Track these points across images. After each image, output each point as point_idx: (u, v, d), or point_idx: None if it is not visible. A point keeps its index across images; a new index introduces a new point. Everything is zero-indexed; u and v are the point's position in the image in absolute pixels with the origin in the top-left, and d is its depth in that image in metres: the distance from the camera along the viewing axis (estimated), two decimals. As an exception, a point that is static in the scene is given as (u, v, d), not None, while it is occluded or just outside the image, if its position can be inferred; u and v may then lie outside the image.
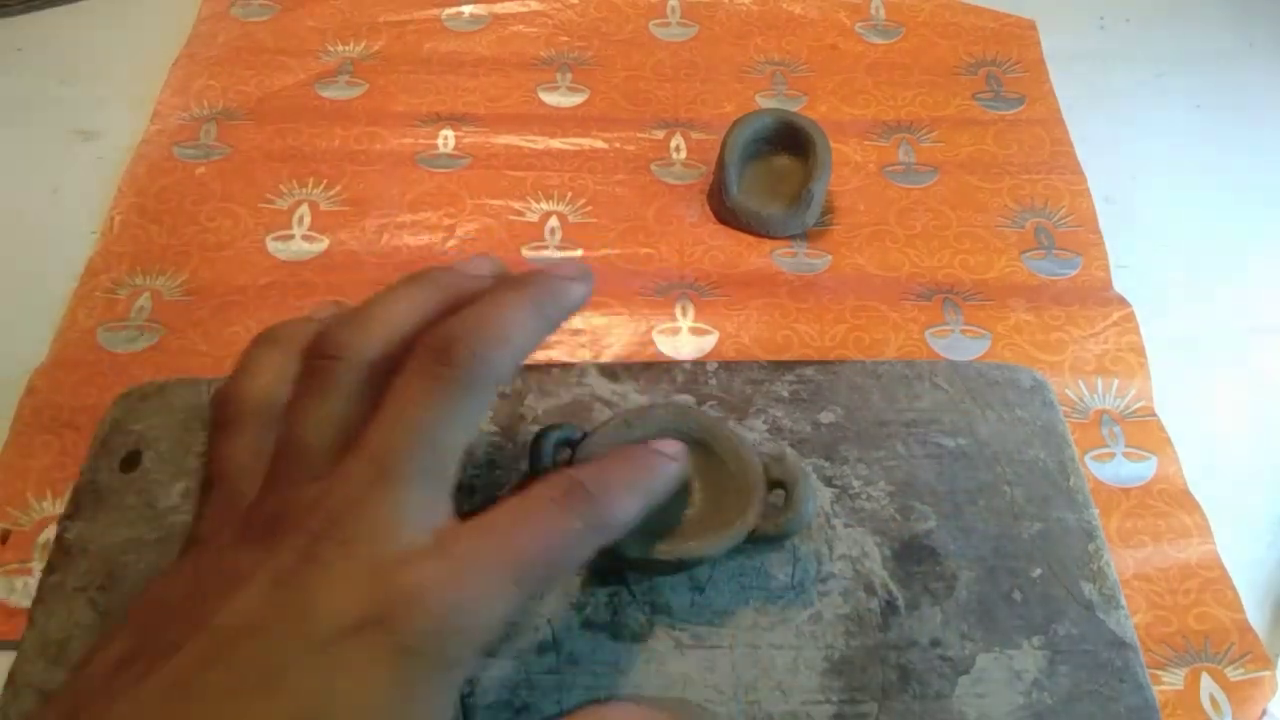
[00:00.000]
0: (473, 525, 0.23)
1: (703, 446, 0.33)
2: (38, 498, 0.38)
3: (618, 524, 0.25)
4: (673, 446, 0.29)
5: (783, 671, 0.31)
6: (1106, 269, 0.46)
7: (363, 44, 0.55)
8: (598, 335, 0.43)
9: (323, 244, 0.46)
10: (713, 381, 0.38)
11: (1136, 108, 0.53)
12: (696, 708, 0.30)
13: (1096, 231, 0.47)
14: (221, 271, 0.45)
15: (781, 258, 0.46)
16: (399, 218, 0.47)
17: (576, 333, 0.43)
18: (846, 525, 0.35)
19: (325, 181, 0.48)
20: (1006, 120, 0.52)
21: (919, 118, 0.52)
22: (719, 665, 0.31)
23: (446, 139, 0.50)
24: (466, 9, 0.57)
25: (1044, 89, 0.54)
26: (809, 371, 0.39)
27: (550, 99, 0.53)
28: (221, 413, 0.26)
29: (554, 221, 0.47)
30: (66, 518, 0.34)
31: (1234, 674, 0.35)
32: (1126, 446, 0.40)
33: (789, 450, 0.36)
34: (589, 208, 0.48)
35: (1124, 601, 0.33)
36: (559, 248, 0.46)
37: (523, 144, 0.50)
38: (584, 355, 0.42)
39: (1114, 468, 0.40)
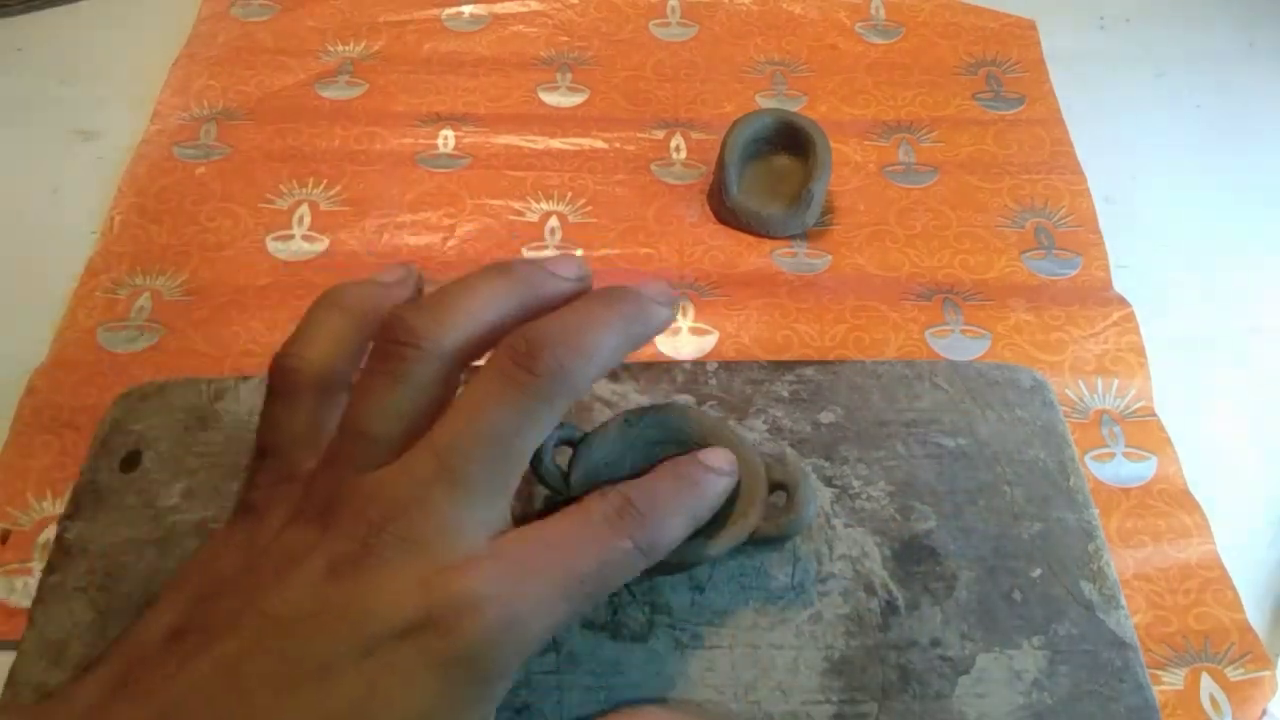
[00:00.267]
0: (529, 537, 0.23)
1: (703, 447, 0.33)
2: (38, 498, 0.38)
3: (665, 546, 0.25)
4: (720, 459, 0.28)
5: (783, 671, 0.31)
6: (1106, 269, 0.46)
7: (363, 44, 0.55)
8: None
9: (323, 244, 0.46)
10: (713, 381, 0.38)
11: (1136, 108, 0.53)
12: (721, 711, 0.30)
13: (1096, 231, 0.47)
14: (221, 271, 0.45)
15: (781, 258, 0.46)
16: (399, 218, 0.47)
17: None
18: (846, 525, 0.35)
19: (325, 181, 0.48)
20: (1006, 120, 0.52)
21: (919, 118, 0.52)
22: (719, 665, 0.31)
23: (446, 139, 0.50)
24: (466, 9, 0.57)
25: (1044, 89, 0.54)
26: (809, 371, 0.39)
27: (550, 99, 0.53)
28: (280, 380, 0.25)
29: (554, 221, 0.47)
30: (66, 518, 0.34)
31: (1234, 674, 0.35)
32: (1126, 446, 0.40)
33: (789, 451, 0.36)
34: (589, 208, 0.48)
35: (1124, 601, 0.33)
36: (559, 248, 0.46)
37: (523, 144, 0.50)
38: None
39: (1114, 468, 0.40)
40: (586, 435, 0.32)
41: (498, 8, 0.57)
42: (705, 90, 0.53)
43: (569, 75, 0.54)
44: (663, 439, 0.33)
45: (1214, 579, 0.37)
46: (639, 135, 0.51)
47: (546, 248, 0.46)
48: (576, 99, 0.53)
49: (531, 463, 0.32)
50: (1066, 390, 0.42)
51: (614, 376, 0.38)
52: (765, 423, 0.37)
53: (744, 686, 0.31)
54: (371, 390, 0.24)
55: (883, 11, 0.57)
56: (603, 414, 0.37)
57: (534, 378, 0.23)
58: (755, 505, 0.31)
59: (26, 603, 0.34)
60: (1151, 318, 0.44)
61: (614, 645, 0.32)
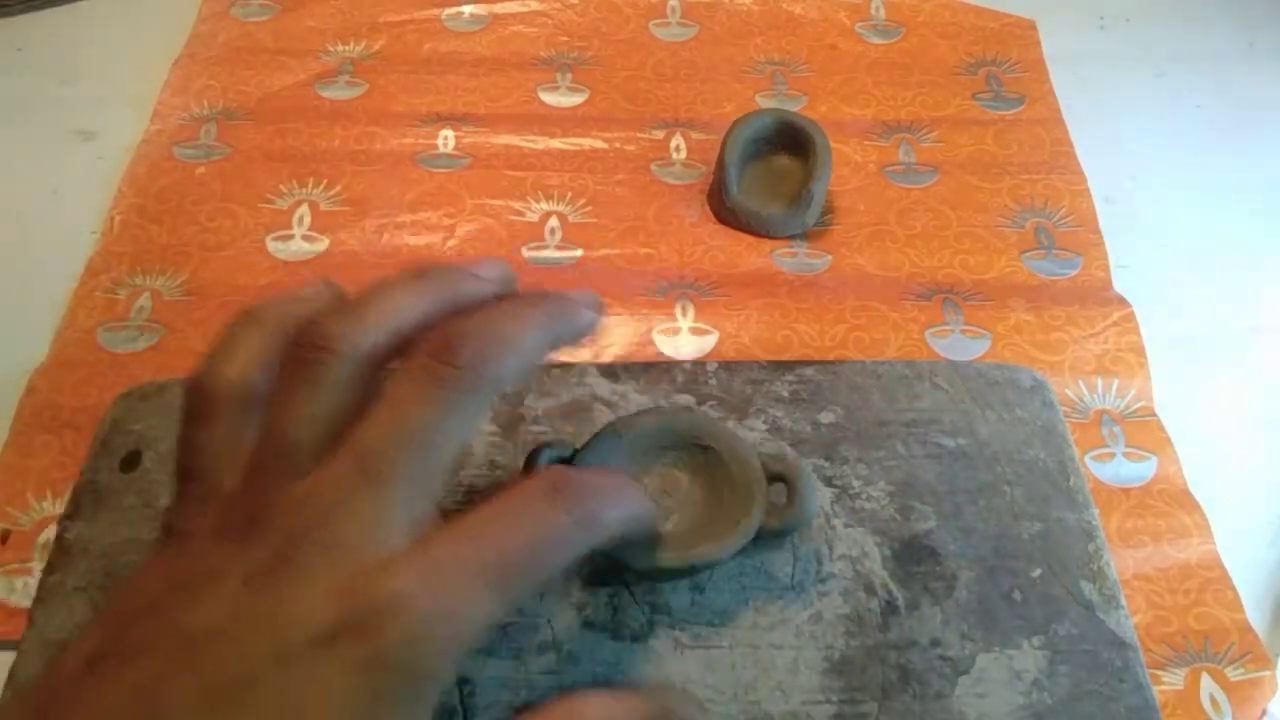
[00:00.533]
0: (451, 528, 0.22)
1: (700, 449, 0.33)
2: (38, 498, 0.38)
3: (606, 523, 0.24)
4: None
5: (783, 671, 0.31)
6: (1106, 269, 0.46)
7: (363, 44, 0.55)
8: (597, 335, 0.43)
9: (323, 244, 0.46)
10: (713, 381, 0.38)
11: (1136, 108, 0.53)
12: (681, 693, 0.30)
13: (1096, 231, 0.47)
14: (221, 271, 0.45)
15: (781, 258, 0.46)
16: (399, 218, 0.47)
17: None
18: (846, 525, 0.35)
19: (325, 181, 0.48)
20: (1006, 120, 0.52)
21: (919, 118, 0.52)
22: (719, 665, 0.31)
23: (446, 139, 0.50)
24: (466, 9, 0.57)
25: (1044, 89, 0.54)
26: (809, 371, 0.39)
27: (550, 99, 0.53)
28: (196, 400, 0.25)
29: (554, 221, 0.47)
30: (66, 518, 0.34)
31: (1234, 674, 0.35)
32: (1126, 446, 0.40)
33: (788, 449, 0.36)
34: (589, 208, 0.48)
35: (1124, 601, 0.33)
36: (559, 248, 0.46)
37: (523, 144, 0.50)
38: (584, 355, 0.42)
39: (1114, 468, 0.40)
40: (578, 451, 0.32)
41: (498, 8, 0.57)
42: (705, 90, 0.53)
43: (569, 75, 0.54)
44: (658, 443, 0.33)
45: (1214, 579, 0.37)
46: (639, 135, 0.51)
47: (546, 248, 0.46)
48: (576, 99, 0.53)
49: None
50: (1066, 390, 0.42)
51: (614, 377, 0.38)
52: (765, 423, 0.37)
53: (744, 686, 0.31)
54: (289, 398, 0.23)
55: (883, 11, 0.57)
56: (603, 414, 0.37)
57: (453, 369, 0.23)
58: (757, 504, 0.31)
59: (26, 603, 0.34)
60: (1151, 318, 0.44)
61: (614, 645, 0.32)
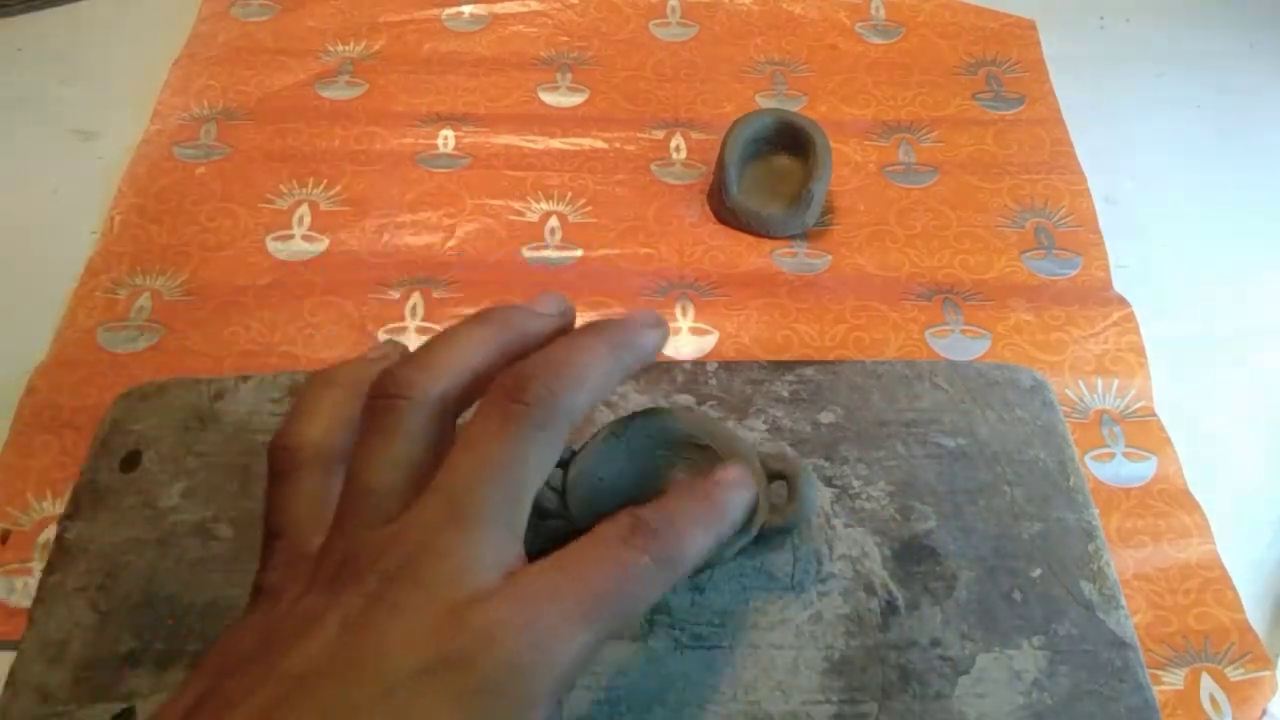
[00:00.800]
0: (543, 564, 0.23)
1: (699, 448, 0.33)
2: (38, 498, 0.38)
3: (687, 559, 0.25)
4: (734, 472, 0.28)
5: (783, 671, 0.31)
6: (1106, 269, 0.46)
7: (363, 44, 0.55)
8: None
9: (323, 244, 0.46)
10: (712, 381, 0.38)
11: (1136, 108, 0.53)
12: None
13: (1096, 231, 0.47)
14: (221, 271, 0.45)
15: (781, 258, 0.46)
16: (399, 218, 0.47)
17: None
18: (846, 525, 0.35)
19: (325, 181, 0.48)
20: (1006, 120, 0.52)
21: (919, 118, 0.52)
22: (719, 665, 0.31)
23: (446, 139, 0.50)
24: (466, 9, 0.57)
25: (1044, 89, 0.54)
26: (809, 371, 0.39)
27: (550, 99, 0.53)
28: (280, 461, 0.26)
29: (554, 221, 0.47)
30: (66, 518, 0.34)
31: (1234, 674, 0.35)
32: (1126, 446, 0.40)
33: (788, 449, 0.36)
34: (589, 208, 0.48)
35: (1124, 601, 0.33)
36: (559, 248, 0.46)
37: (523, 144, 0.50)
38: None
39: (1114, 468, 0.40)
40: (575, 454, 0.32)
41: (498, 8, 0.57)
42: (705, 90, 0.53)
43: (569, 75, 0.54)
44: (656, 443, 0.33)
45: (1214, 579, 0.37)
46: (639, 135, 0.51)
47: (546, 248, 0.46)
48: (576, 99, 0.53)
49: None
50: (1066, 390, 0.42)
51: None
52: (765, 423, 0.37)
53: (744, 686, 0.31)
54: (369, 447, 0.24)
55: (883, 11, 0.57)
56: (603, 415, 0.37)
57: (526, 407, 0.23)
58: (758, 502, 0.31)
59: (26, 603, 0.33)
60: (1151, 318, 0.44)
61: (614, 645, 0.32)
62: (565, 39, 0.55)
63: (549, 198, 0.48)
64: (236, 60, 0.53)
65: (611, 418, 0.37)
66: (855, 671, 0.31)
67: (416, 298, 0.44)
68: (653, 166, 0.49)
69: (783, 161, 0.48)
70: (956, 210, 0.48)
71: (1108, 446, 0.40)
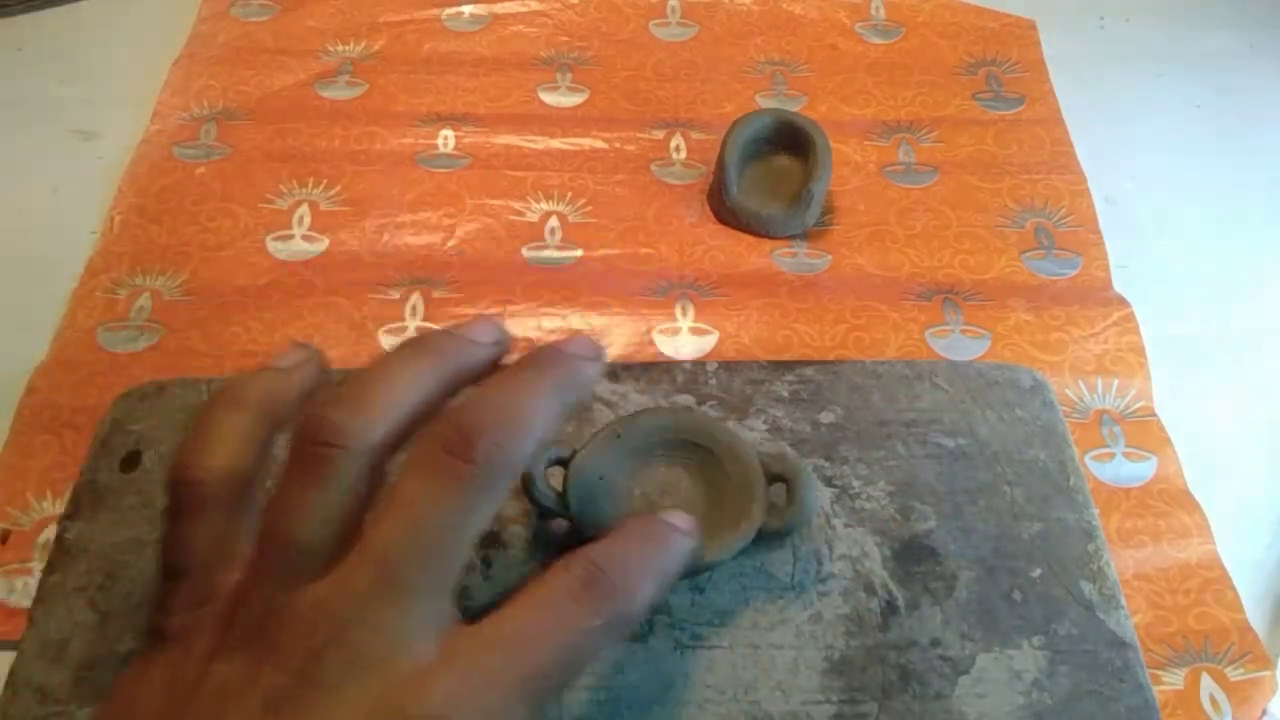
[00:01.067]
0: (484, 636, 0.21)
1: (699, 448, 0.33)
2: (38, 498, 0.38)
3: (638, 615, 0.23)
4: (683, 520, 0.25)
5: (783, 671, 0.31)
6: (1106, 269, 0.46)
7: (363, 44, 0.55)
8: (598, 335, 0.43)
9: (323, 244, 0.46)
10: (713, 381, 0.38)
11: (1136, 108, 0.53)
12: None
13: (1096, 231, 0.47)
14: (221, 271, 0.45)
15: (781, 258, 0.46)
16: (399, 218, 0.47)
17: (576, 333, 0.43)
18: (846, 525, 0.35)
19: (325, 181, 0.48)
20: (1007, 120, 0.52)
21: (919, 118, 0.52)
22: (719, 665, 0.31)
23: (446, 139, 0.50)
24: (466, 9, 0.57)
25: (1044, 89, 0.54)
26: (809, 371, 0.39)
27: (550, 99, 0.53)
28: (182, 493, 0.23)
29: (554, 221, 0.47)
30: (66, 518, 0.34)
31: (1234, 674, 0.35)
32: (1126, 446, 0.40)
33: (788, 449, 0.36)
34: (589, 208, 0.48)
35: (1124, 601, 0.33)
36: (559, 248, 0.46)
37: (523, 144, 0.50)
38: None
39: (1114, 468, 0.40)
40: (576, 453, 0.32)
41: (498, 8, 0.57)
42: (705, 90, 0.53)
43: (569, 75, 0.54)
44: (656, 443, 0.33)
45: (1214, 579, 0.37)
46: (639, 135, 0.51)
47: (547, 248, 0.46)
48: (576, 99, 0.53)
49: (525, 488, 0.31)
50: (1066, 390, 0.42)
51: (614, 377, 0.38)
52: (765, 423, 0.37)
53: (744, 686, 0.31)
54: (296, 497, 0.22)
55: (883, 11, 0.57)
56: (603, 415, 0.37)
57: (472, 466, 0.21)
58: (757, 503, 0.31)
59: (26, 603, 0.33)
60: (1151, 318, 0.44)
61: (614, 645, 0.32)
62: (565, 39, 0.55)
63: (549, 198, 0.48)
64: (236, 60, 0.53)
65: (612, 417, 0.37)
66: (855, 671, 0.31)
67: (416, 298, 0.44)
68: (653, 166, 0.49)
69: (783, 161, 0.48)
70: (956, 210, 0.48)
71: (1108, 446, 0.40)
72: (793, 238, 0.46)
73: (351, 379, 0.23)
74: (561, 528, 0.34)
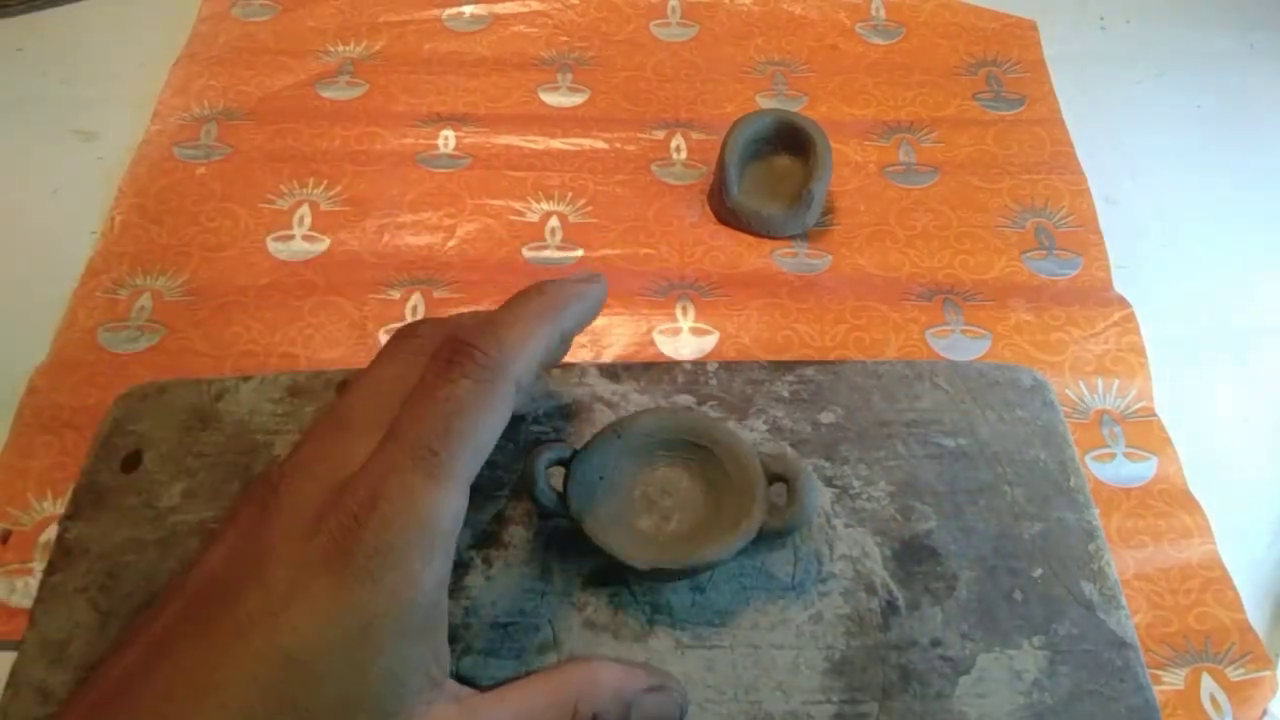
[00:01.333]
0: (396, 424, 0.24)
1: (699, 449, 0.33)
2: (38, 498, 0.38)
3: (511, 364, 0.26)
4: (582, 276, 0.30)
5: (783, 671, 0.31)
6: (1107, 269, 0.46)
7: (363, 44, 0.55)
8: (598, 335, 0.43)
9: (323, 244, 0.46)
10: (713, 382, 0.38)
11: (1136, 108, 0.53)
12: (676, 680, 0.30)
13: (1097, 232, 0.47)
14: (222, 272, 0.45)
15: (782, 258, 0.46)
16: (399, 218, 0.47)
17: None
18: (847, 525, 0.35)
19: (325, 182, 0.48)
20: (1007, 121, 0.52)
21: (919, 118, 0.52)
22: (719, 665, 0.31)
23: (447, 139, 0.50)
24: (467, 9, 0.57)
25: (1044, 89, 0.54)
26: (809, 372, 0.39)
27: (550, 99, 0.53)
28: (458, 350, 0.26)
29: (554, 221, 0.47)
30: (67, 518, 0.34)
31: (1234, 674, 0.35)
32: (1127, 447, 0.40)
33: (788, 449, 0.36)
34: (589, 208, 0.48)
35: (1124, 601, 0.33)
36: (559, 248, 0.46)
37: (523, 144, 0.50)
38: (584, 355, 0.42)
39: (1114, 468, 0.40)
40: (577, 453, 0.32)
41: (498, 8, 0.57)
42: (705, 90, 0.53)
43: (569, 75, 0.54)
44: (656, 443, 0.33)
45: (1214, 579, 0.37)
46: (639, 135, 0.51)
47: (547, 248, 0.46)
48: (577, 99, 0.53)
49: (526, 489, 0.31)
50: (1066, 390, 0.42)
51: (614, 377, 0.38)
52: (765, 423, 0.37)
53: (744, 686, 0.31)
54: (430, 399, 0.25)
55: (883, 12, 0.57)
56: (603, 414, 0.37)
57: (472, 365, 0.25)
58: (757, 503, 0.31)
59: (27, 603, 0.34)
60: (1151, 318, 0.44)
61: (614, 645, 0.32)
62: (565, 39, 0.56)
63: (549, 198, 0.48)
64: (237, 60, 0.53)
65: (612, 417, 0.37)
66: (855, 671, 0.31)
67: (417, 298, 0.44)
68: (653, 167, 0.49)
69: (783, 162, 0.48)
70: (957, 210, 0.48)
71: (1108, 447, 0.40)
72: (793, 238, 0.46)
73: (481, 319, 0.27)
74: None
